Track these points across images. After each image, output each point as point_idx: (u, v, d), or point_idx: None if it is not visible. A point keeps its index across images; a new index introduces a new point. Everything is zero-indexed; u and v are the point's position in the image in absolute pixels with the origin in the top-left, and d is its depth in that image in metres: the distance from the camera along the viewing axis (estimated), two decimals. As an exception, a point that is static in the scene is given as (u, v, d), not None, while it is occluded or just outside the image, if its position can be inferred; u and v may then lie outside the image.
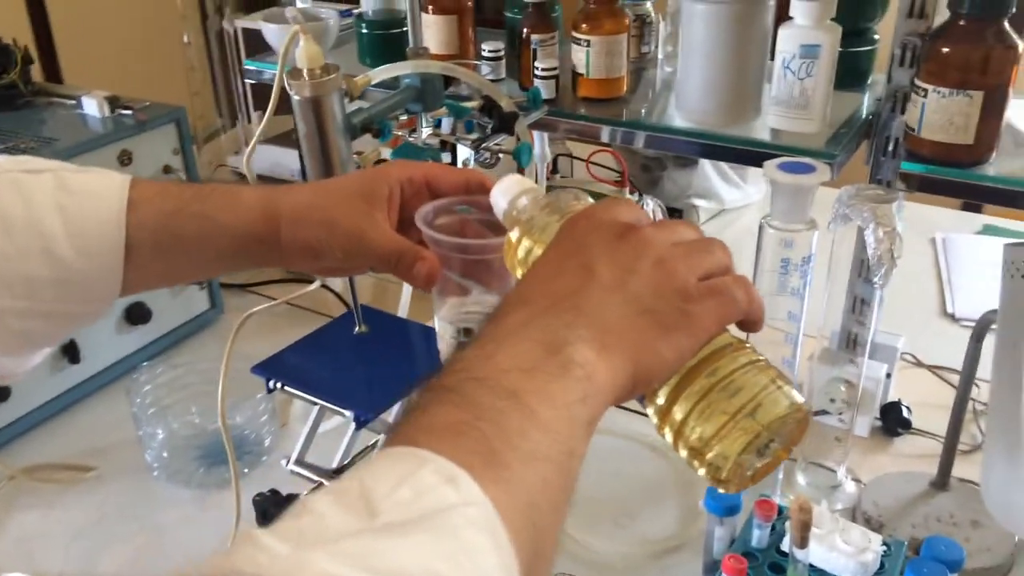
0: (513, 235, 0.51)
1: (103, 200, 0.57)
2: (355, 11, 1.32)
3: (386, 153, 0.76)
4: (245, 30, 1.47)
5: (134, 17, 1.82)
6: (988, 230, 1.48)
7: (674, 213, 1.49)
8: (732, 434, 0.44)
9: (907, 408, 1.02)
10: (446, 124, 0.78)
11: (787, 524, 0.79)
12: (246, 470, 0.99)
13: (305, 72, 0.66)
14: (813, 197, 0.77)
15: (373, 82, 0.72)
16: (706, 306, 0.44)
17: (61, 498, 0.96)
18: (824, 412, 0.94)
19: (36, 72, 1.20)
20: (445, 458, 0.36)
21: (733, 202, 1.58)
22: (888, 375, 1.02)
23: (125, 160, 1.09)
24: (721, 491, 0.48)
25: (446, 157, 0.75)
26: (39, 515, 0.94)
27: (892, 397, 1.03)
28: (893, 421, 1.01)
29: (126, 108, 1.11)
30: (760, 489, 0.87)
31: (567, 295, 0.43)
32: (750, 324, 0.46)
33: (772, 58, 0.90)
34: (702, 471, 0.46)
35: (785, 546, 0.78)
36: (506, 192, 0.53)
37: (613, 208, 0.47)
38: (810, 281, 0.80)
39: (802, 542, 0.70)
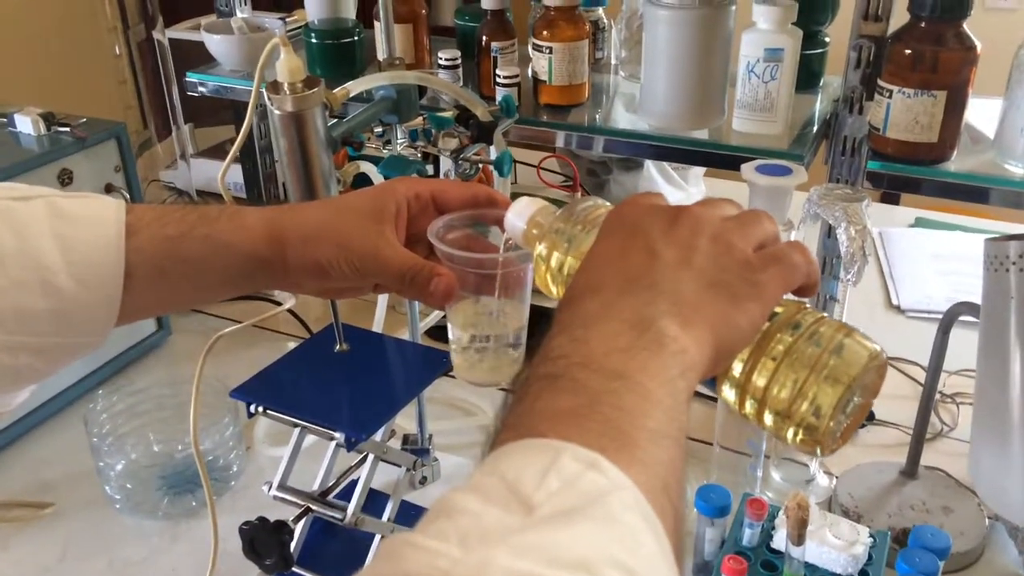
0: (540, 250, 0.50)
1: (100, 226, 0.54)
2: (287, 19, 1.29)
3: (366, 167, 0.74)
4: (173, 40, 1.42)
5: (50, 30, 1.74)
6: (921, 223, 1.54)
7: (621, 215, 1.50)
8: (824, 387, 0.44)
9: (869, 400, 1.04)
10: (418, 135, 0.76)
11: (776, 521, 0.81)
12: (215, 496, 0.94)
13: (286, 86, 0.64)
14: (790, 199, 0.78)
15: (352, 94, 0.70)
16: (769, 273, 0.45)
17: (18, 538, 0.90)
18: (793, 407, 0.96)
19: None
20: (578, 444, 0.35)
21: (676, 203, 1.60)
22: (850, 368, 1.05)
23: (65, 179, 1.04)
24: (817, 453, 0.48)
25: (430, 169, 0.73)
26: (-7, 559, 0.88)
27: (854, 389, 1.06)
28: (857, 413, 1.04)
29: (63, 125, 1.06)
30: (740, 489, 0.89)
31: (638, 276, 0.43)
32: (809, 288, 0.47)
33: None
34: (793, 434, 0.46)
35: (775, 544, 0.80)
36: (521, 214, 0.53)
37: (652, 196, 0.48)
38: (788, 281, 0.81)
39: (799, 539, 0.71)
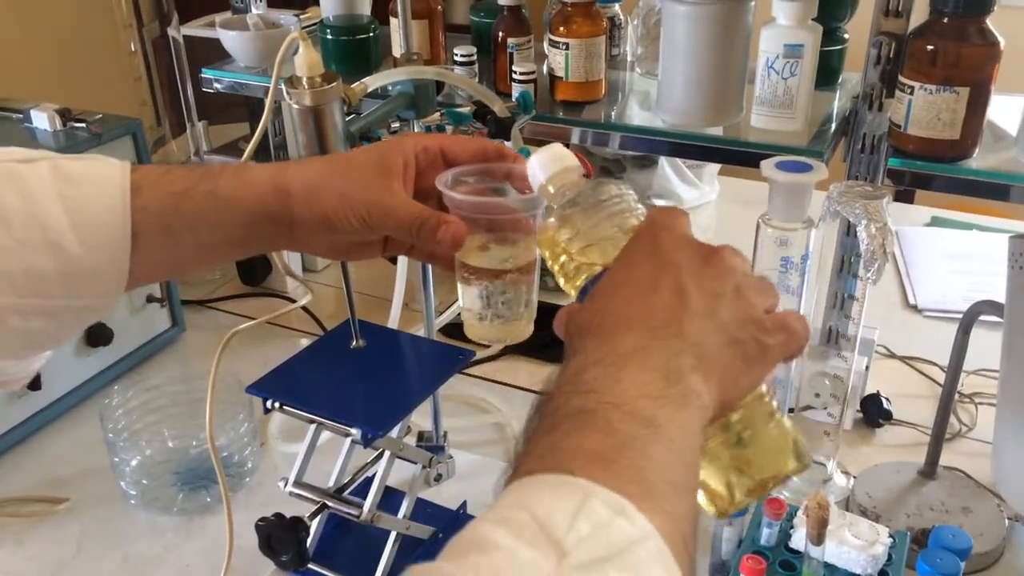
0: (551, 221, 0.51)
1: (105, 187, 0.53)
2: (302, 15, 1.29)
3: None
4: (187, 37, 1.42)
5: (66, 28, 1.74)
6: (936, 222, 1.52)
7: (635, 214, 1.50)
8: (742, 482, 0.47)
9: (886, 399, 1.04)
10: (439, 131, 0.76)
11: (795, 521, 0.80)
12: (230, 492, 0.94)
13: (305, 80, 0.63)
14: (810, 196, 0.78)
15: (369, 89, 0.70)
16: (777, 339, 0.46)
17: (34, 533, 0.90)
18: (809, 407, 0.95)
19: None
20: (607, 488, 0.36)
21: (691, 201, 1.60)
22: (867, 368, 1.04)
23: (81, 175, 1.04)
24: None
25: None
26: (8, 553, 0.88)
27: (871, 389, 1.05)
28: (874, 413, 1.03)
29: (79, 121, 1.06)
30: (758, 487, 0.88)
31: (669, 320, 0.44)
32: (797, 355, 0.48)
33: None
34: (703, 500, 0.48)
35: (794, 543, 0.79)
36: (545, 167, 0.52)
37: (682, 220, 0.49)
38: (808, 279, 0.81)
39: (819, 538, 0.71)
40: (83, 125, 1.05)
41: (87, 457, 0.98)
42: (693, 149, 0.93)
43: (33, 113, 1.05)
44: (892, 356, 1.15)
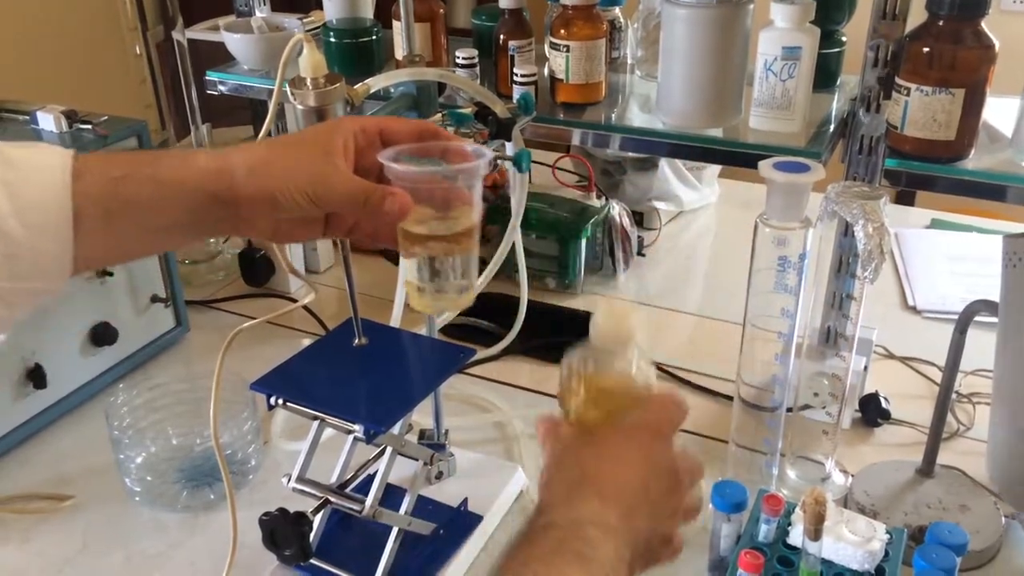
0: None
1: (47, 172, 0.54)
2: (305, 19, 1.30)
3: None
4: (192, 41, 1.43)
5: (72, 30, 1.75)
6: (937, 224, 1.53)
7: (636, 215, 1.51)
8: None
9: (885, 399, 1.04)
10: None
11: (792, 517, 0.81)
12: (233, 490, 0.95)
13: (309, 81, 0.64)
14: (808, 196, 0.79)
15: (372, 90, 0.71)
16: (679, 534, 0.60)
17: (40, 529, 0.91)
18: (808, 407, 0.96)
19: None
20: None
21: (691, 203, 1.61)
22: (865, 368, 1.05)
23: (87, 175, 1.05)
24: None
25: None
26: (15, 549, 0.89)
27: (869, 389, 1.06)
28: (873, 412, 1.04)
29: (84, 123, 1.07)
30: (755, 486, 0.89)
31: (628, 516, 0.54)
32: None
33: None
34: None
35: (791, 540, 0.80)
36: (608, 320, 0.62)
37: (680, 421, 0.61)
38: (806, 278, 0.82)
39: (816, 534, 0.72)
40: (89, 127, 1.06)
41: (92, 455, 0.99)
42: (692, 150, 0.94)
43: (39, 115, 1.06)
44: (891, 357, 1.16)
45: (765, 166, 0.78)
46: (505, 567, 0.50)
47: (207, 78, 1.17)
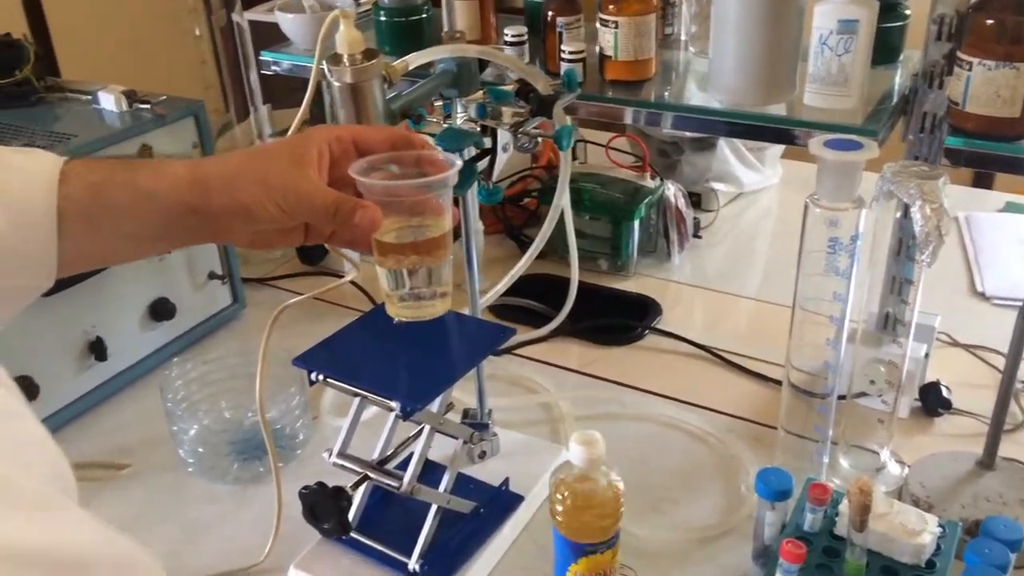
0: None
1: (36, 174, 0.57)
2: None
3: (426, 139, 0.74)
4: (252, 22, 1.45)
5: (134, 12, 1.80)
6: (1011, 207, 1.47)
7: (693, 197, 1.48)
8: None
9: (946, 388, 1.01)
10: (483, 110, 0.76)
11: (840, 507, 0.78)
12: (281, 464, 0.97)
13: (346, 58, 0.65)
14: (860, 175, 0.76)
15: (411, 67, 0.70)
16: None
17: (97, 496, 0.95)
18: (863, 394, 0.93)
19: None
20: None
21: (751, 185, 1.57)
22: (926, 355, 1.01)
23: (146, 155, 1.07)
24: None
25: (487, 142, 0.73)
26: (73, 516, 0.93)
27: (930, 377, 1.02)
28: (933, 401, 1.00)
29: (144, 102, 1.10)
30: (804, 474, 0.87)
31: None
32: None
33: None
34: None
35: (839, 530, 0.77)
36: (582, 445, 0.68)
37: None
38: (858, 261, 0.79)
39: (861, 525, 0.69)
40: (147, 107, 1.09)
41: (149, 426, 1.02)
42: (744, 128, 0.92)
43: (100, 95, 1.09)
44: (956, 344, 1.12)
45: (815, 144, 0.75)
46: None
47: (262, 58, 1.19)
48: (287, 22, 1.17)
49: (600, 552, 0.70)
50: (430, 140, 0.63)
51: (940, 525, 0.75)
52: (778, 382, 1.07)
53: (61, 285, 0.97)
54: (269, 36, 1.36)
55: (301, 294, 0.84)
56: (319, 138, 0.60)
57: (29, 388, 0.98)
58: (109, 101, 1.09)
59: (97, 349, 1.05)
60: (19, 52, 1.09)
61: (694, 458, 0.98)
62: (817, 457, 0.91)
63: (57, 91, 1.14)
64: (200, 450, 0.96)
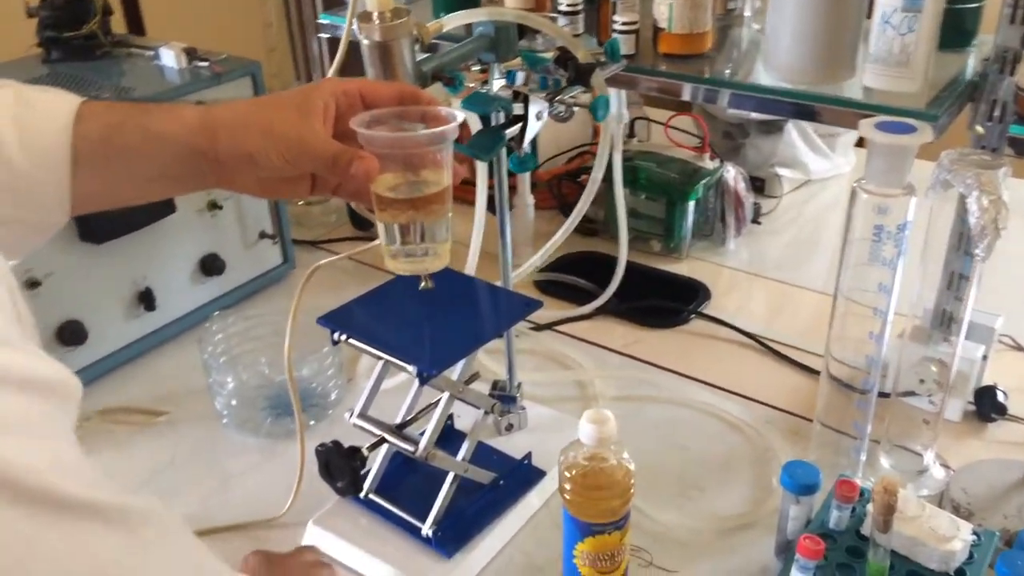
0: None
1: (55, 113, 0.58)
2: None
3: (456, 104, 0.73)
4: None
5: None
6: (1099, 208, 1.38)
7: (756, 182, 1.44)
8: None
9: (1003, 393, 0.95)
10: (520, 76, 0.75)
11: (868, 507, 0.75)
12: (312, 422, 0.99)
13: (375, 15, 0.64)
14: (912, 160, 0.72)
15: (445, 28, 0.69)
16: None
17: (134, 441, 0.98)
18: (911, 393, 0.89)
19: (119, 24, 1.20)
20: None
21: (819, 172, 1.51)
22: (984, 357, 0.96)
23: (202, 111, 1.09)
24: None
25: (518, 108, 0.72)
26: (113, 456, 0.96)
27: (987, 381, 0.97)
28: (987, 406, 0.95)
29: (203, 60, 1.11)
30: (840, 471, 0.83)
31: None
32: None
33: (869, 15, 0.85)
34: None
35: (866, 529, 0.74)
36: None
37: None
38: (905, 251, 0.75)
39: (885, 526, 0.66)
40: (206, 64, 1.10)
41: (190, 378, 1.04)
42: (798, 108, 0.88)
43: (162, 51, 1.12)
44: (1019, 348, 1.06)
45: (866, 125, 0.71)
46: None
47: (320, 21, 1.19)
48: (346, -15, 1.17)
49: (608, 533, 0.69)
50: (441, 96, 0.62)
51: (975, 533, 0.72)
52: (813, 371, 1.04)
53: (114, 234, 1.02)
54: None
55: (351, 258, 0.84)
56: (326, 90, 0.61)
57: (78, 332, 1.01)
58: (170, 57, 1.11)
59: (146, 299, 1.08)
60: (86, 6, 1.12)
61: (727, 447, 0.95)
62: (854, 454, 0.87)
63: (122, 46, 1.17)
64: (234, 403, 0.98)
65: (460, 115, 0.61)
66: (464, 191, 1.37)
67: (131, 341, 1.08)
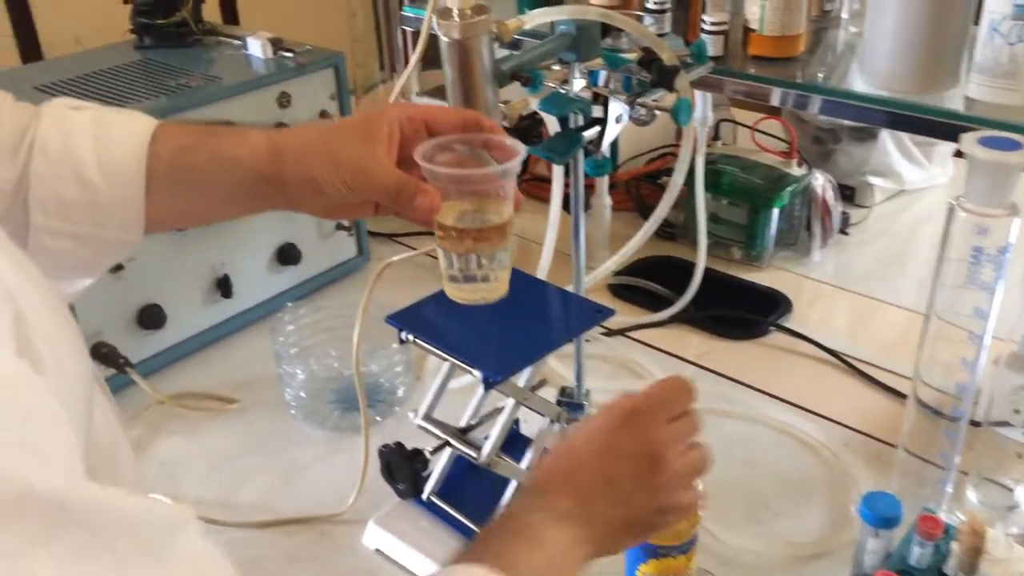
0: None
1: (131, 133, 0.61)
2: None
3: (535, 104, 0.72)
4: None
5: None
6: None
7: (846, 191, 1.38)
8: None
9: (1107, 428, 0.89)
10: (601, 76, 0.73)
11: (952, 545, 0.71)
12: (378, 418, 0.99)
13: (455, 12, 0.63)
14: (1016, 179, 0.67)
15: (526, 27, 0.68)
16: (670, 517, 0.61)
17: (205, 426, 0.99)
18: (1005, 423, 0.83)
19: (214, 11, 1.22)
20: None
21: (914, 182, 1.44)
22: (1088, 388, 0.89)
23: (284, 102, 1.10)
24: None
25: (597, 111, 0.70)
26: (183, 440, 0.97)
27: (1090, 414, 0.90)
28: (1088, 441, 0.89)
29: (287, 51, 1.12)
30: (923, 502, 0.79)
31: (585, 502, 0.57)
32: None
33: (976, 22, 0.80)
34: None
35: (949, 569, 0.70)
36: None
37: (659, 413, 0.60)
38: (1004, 275, 0.70)
39: (970, 568, 0.62)
40: (291, 55, 1.11)
41: (263, 366, 1.05)
42: (896, 118, 0.83)
43: (249, 40, 1.13)
44: None
45: (967, 140, 0.67)
46: (468, 551, 0.54)
47: (404, 14, 1.19)
48: (432, -21, 1.16)
49: (673, 556, 0.67)
50: (519, 97, 0.61)
51: (1070, 582, 0.67)
52: (899, 394, 0.99)
53: (195, 222, 1.03)
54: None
55: (426, 254, 0.83)
56: (391, 116, 0.62)
57: (158, 316, 1.03)
58: (256, 47, 1.12)
59: (224, 286, 1.09)
60: (179, -7, 1.14)
61: (803, 469, 0.92)
62: (940, 485, 0.82)
63: (212, 34, 1.19)
64: (303, 395, 0.98)
65: (523, 148, 0.61)
66: (540, 189, 1.36)
67: (208, 327, 1.10)
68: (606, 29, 0.73)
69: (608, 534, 0.57)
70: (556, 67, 0.74)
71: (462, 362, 0.72)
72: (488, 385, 0.70)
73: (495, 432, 0.75)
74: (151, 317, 1.02)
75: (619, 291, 1.21)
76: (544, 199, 1.02)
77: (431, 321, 0.77)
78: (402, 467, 0.74)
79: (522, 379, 0.76)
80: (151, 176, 0.60)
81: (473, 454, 0.75)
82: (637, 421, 0.60)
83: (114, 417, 0.52)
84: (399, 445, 0.74)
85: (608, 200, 1.26)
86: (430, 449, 0.76)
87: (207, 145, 0.62)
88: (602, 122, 0.70)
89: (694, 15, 0.95)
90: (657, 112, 0.71)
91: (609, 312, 0.77)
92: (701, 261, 1.14)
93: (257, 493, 0.90)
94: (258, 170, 0.61)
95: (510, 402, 0.76)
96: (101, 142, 0.60)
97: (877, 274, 1.27)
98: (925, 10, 0.78)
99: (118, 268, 0.98)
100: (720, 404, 1.00)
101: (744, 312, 1.15)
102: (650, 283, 1.20)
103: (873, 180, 1.41)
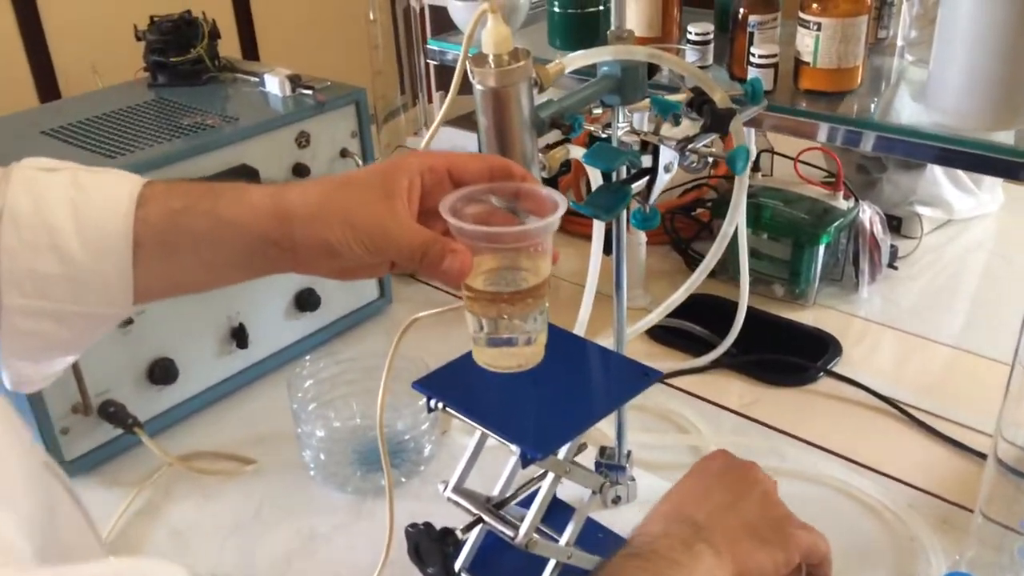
0: None
1: (113, 197, 0.54)
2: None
3: (576, 153, 0.66)
4: (432, 7, 1.41)
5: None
6: None
7: (893, 221, 1.31)
8: None
9: None
10: (644, 119, 0.67)
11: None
12: (403, 479, 0.92)
13: (491, 58, 0.57)
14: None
15: (568, 70, 0.62)
16: (800, 535, 0.63)
17: (218, 489, 0.93)
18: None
19: (234, 47, 1.17)
20: None
21: (963, 212, 1.37)
22: None
23: (303, 142, 1.05)
24: None
25: (646, 160, 0.64)
26: (195, 505, 0.91)
27: None
28: None
29: (307, 88, 1.07)
30: (1003, 570, 0.72)
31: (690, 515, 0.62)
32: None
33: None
34: None
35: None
36: None
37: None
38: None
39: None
40: (310, 92, 1.06)
41: (281, 418, 0.99)
42: (964, 157, 0.77)
43: (267, 77, 1.08)
44: None
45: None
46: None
47: (428, 47, 1.13)
48: (456, 10, 1.11)
49: None
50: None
51: None
52: (979, 453, 0.91)
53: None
54: (449, 22, 1.32)
55: (451, 294, 0.77)
56: (411, 167, 0.56)
57: (169, 371, 0.97)
58: (274, 84, 1.07)
59: (239, 336, 1.04)
60: (193, 29, 1.09)
61: (863, 533, 0.84)
62: (1020, 557, 0.75)
63: (228, 71, 1.14)
64: (322, 457, 0.92)
65: (562, 199, 0.54)
66: (581, 224, 1.29)
67: (222, 379, 1.04)
68: (651, 68, 0.66)
69: (722, 538, 0.60)
70: (597, 110, 0.68)
71: (498, 435, 0.66)
72: (526, 462, 0.64)
73: (532, 510, 0.68)
74: (162, 372, 0.97)
75: (656, 333, 1.14)
76: (584, 236, 0.96)
77: (462, 386, 0.71)
78: (431, 550, 0.67)
79: (562, 452, 0.70)
80: (139, 243, 0.54)
81: (509, 533, 0.68)
82: (736, 462, 0.65)
83: (84, 522, 0.46)
84: (427, 525, 0.68)
85: (643, 236, 1.19)
86: (461, 528, 0.70)
87: (202, 206, 0.55)
88: (651, 172, 0.63)
89: (740, 47, 0.88)
90: (710, 159, 0.64)
91: (657, 375, 0.71)
92: (743, 302, 1.07)
93: (275, 562, 0.84)
94: (263, 234, 0.55)
95: (549, 476, 0.69)
96: (79, 207, 0.53)
97: (928, 310, 1.20)
98: (999, 42, 0.72)
99: (127, 322, 0.93)
100: (771, 460, 0.93)
101: (790, 355, 1.08)
102: (689, 323, 1.14)
103: (921, 210, 1.33)
